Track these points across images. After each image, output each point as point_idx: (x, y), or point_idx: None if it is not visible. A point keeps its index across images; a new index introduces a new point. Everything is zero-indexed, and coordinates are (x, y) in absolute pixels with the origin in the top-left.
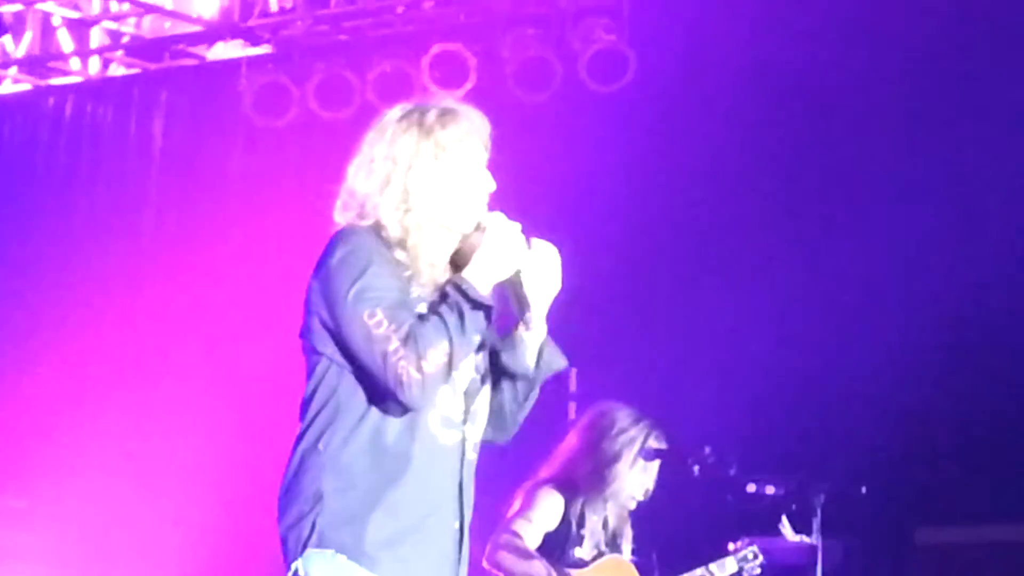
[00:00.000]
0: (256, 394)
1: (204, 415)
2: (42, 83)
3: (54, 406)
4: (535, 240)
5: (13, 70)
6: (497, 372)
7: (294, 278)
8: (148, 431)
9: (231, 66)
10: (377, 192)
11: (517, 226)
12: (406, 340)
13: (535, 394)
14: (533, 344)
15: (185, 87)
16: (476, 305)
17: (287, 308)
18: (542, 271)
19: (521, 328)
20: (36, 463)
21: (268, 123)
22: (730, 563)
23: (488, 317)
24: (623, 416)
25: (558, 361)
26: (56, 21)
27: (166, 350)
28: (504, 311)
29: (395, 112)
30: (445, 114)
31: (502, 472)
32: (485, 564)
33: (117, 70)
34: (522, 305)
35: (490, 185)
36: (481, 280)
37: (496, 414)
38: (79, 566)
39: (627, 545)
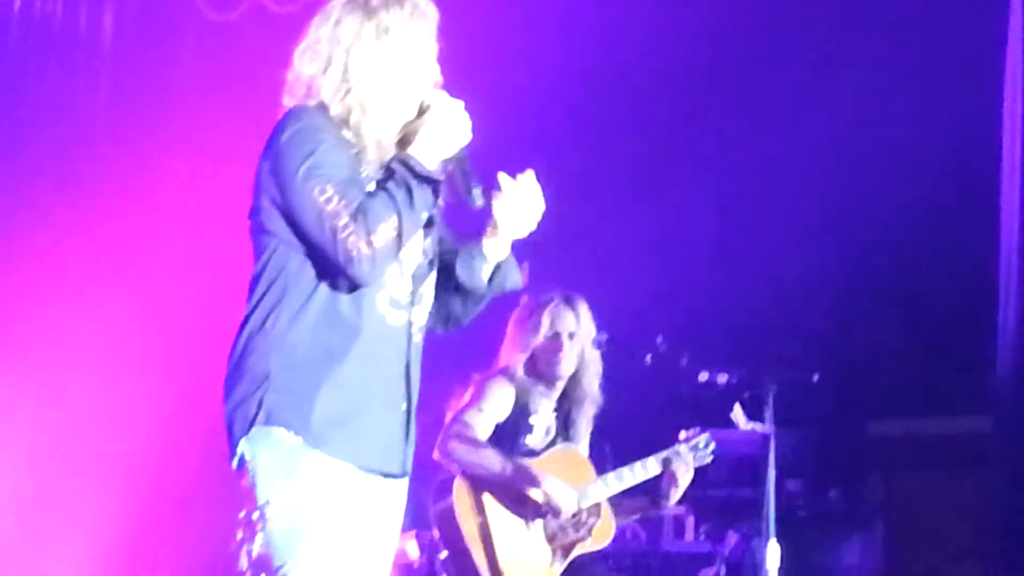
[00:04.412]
0: (217, 301)
1: (165, 328)
2: None
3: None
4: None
5: None
6: (449, 277)
7: (249, 173)
8: (102, 346)
9: None
10: (320, 73)
11: (460, 103)
12: (355, 215)
13: (483, 304)
14: (492, 259)
15: None
16: (423, 180)
17: (244, 201)
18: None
19: (483, 242)
20: None
21: (220, 17)
22: (683, 451)
23: (436, 192)
24: (547, 301)
25: (513, 279)
26: None
27: (122, 253)
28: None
29: None
30: None
31: (454, 364)
32: (436, 455)
33: None
34: (468, 183)
35: (435, 72)
36: (427, 156)
37: (441, 309)
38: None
39: (582, 433)
